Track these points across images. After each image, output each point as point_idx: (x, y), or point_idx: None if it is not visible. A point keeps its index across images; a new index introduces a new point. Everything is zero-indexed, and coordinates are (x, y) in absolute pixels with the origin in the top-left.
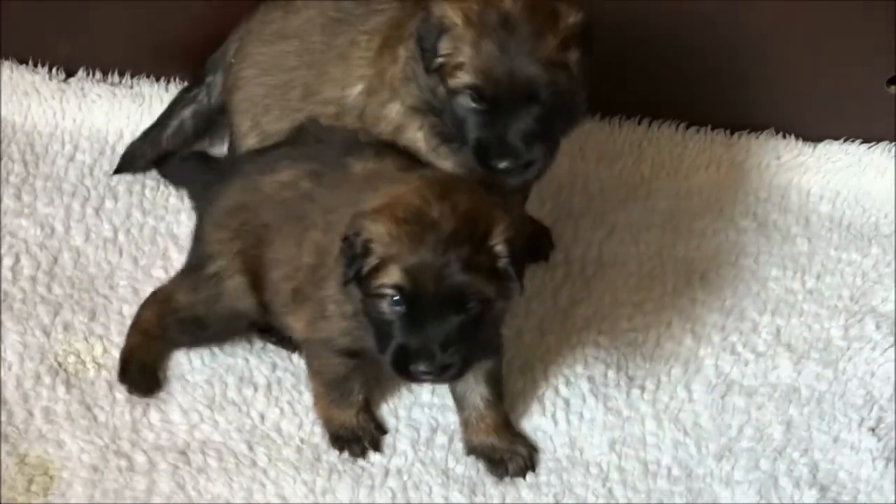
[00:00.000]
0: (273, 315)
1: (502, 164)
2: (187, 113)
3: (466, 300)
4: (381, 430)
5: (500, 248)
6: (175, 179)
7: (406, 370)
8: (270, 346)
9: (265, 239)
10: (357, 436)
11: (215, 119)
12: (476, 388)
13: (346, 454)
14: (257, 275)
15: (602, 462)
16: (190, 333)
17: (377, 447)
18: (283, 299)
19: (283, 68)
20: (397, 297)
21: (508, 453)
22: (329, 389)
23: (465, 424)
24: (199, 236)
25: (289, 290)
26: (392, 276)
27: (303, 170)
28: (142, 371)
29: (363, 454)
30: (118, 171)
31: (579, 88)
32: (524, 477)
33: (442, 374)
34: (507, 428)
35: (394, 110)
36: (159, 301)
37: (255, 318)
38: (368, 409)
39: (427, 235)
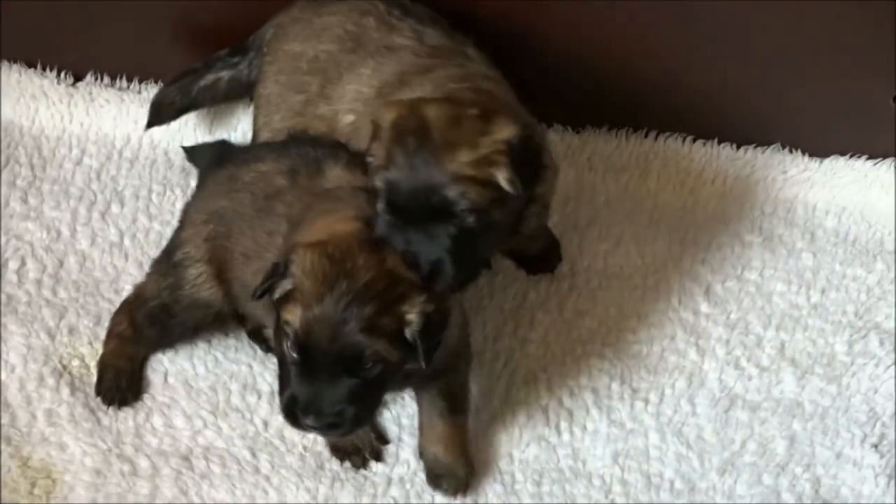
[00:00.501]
0: (243, 309)
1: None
2: (225, 75)
3: (362, 361)
4: (383, 439)
5: (411, 316)
6: (198, 164)
7: (294, 419)
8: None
9: (234, 229)
10: (357, 447)
11: (247, 93)
12: (426, 395)
13: (347, 464)
14: (223, 266)
15: (605, 474)
16: (159, 326)
17: (378, 457)
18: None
19: (295, 70)
20: (293, 344)
21: (446, 470)
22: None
23: (419, 429)
24: (180, 221)
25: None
26: (294, 315)
27: (283, 165)
28: (117, 379)
29: (364, 465)
30: (149, 125)
31: (507, 206)
32: (455, 497)
33: (329, 430)
34: (455, 444)
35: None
36: (129, 301)
37: (222, 309)
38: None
39: (338, 283)
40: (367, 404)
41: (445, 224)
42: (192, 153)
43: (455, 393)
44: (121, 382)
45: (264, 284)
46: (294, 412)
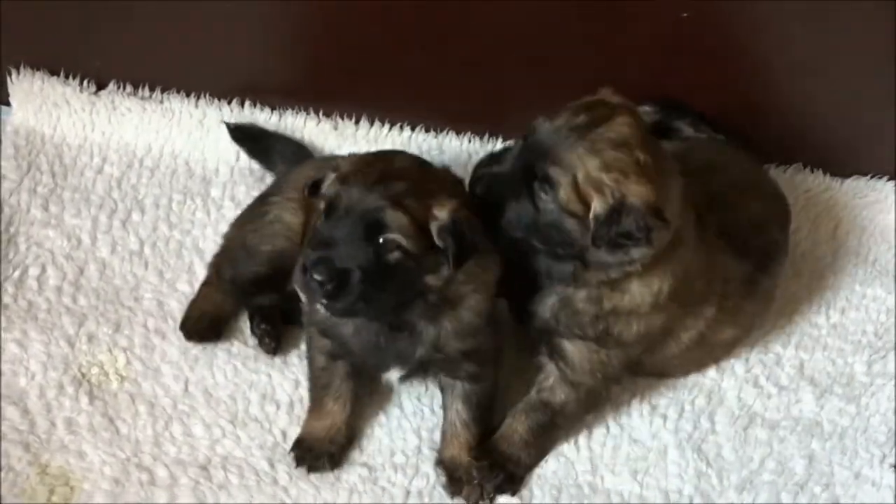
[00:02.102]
0: None
1: None
2: None
3: (382, 229)
4: (349, 445)
5: (440, 212)
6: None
7: (304, 278)
8: (293, 362)
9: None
10: (316, 451)
11: None
12: (454, 405)
13: (302, 466)
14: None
15: (623, 491)
16: (234, 266)
17: (335, 465)
18: None
19: None
20: (322, 210)
21: (468, 476)
22: (311, 389)
23: (442, 437)
24: (273, 187)
25: None
26: (331, 186)
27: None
28: (200, 321)
29: (312, 470)
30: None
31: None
32: None
33: (333, 294)
34: (480, 453)
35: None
36: (216, 253)
37: (287, 266)
38: (346, 429)
39: (375, 164)
40: (377, 290)
41: (529, 194)
42: (236, 131)
43: (482, 403)
44: (203, 323)
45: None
46: (301, 274)
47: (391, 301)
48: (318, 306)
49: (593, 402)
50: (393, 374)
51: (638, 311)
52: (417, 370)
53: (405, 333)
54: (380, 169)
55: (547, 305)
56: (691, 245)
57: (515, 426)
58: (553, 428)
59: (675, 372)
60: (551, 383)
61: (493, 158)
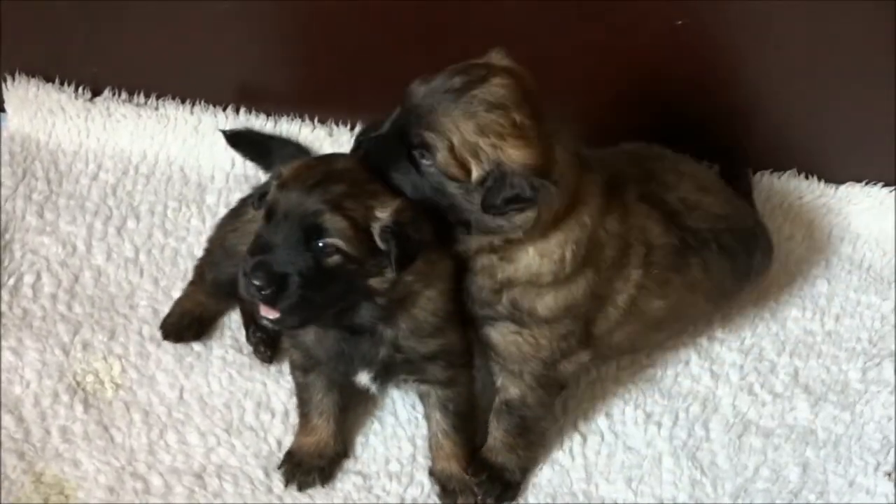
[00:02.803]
0: None
1: None
2: None
3: (320, 233)
4: (340, 457)
5: (381, 213)
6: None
7: (242, 287)
8: (288, 370)
9: None
10: (305, 466)
11: None
12: (433, 415)
13: (292, 484)
14: None
15: (618, 498)
16: (216, 268)
17: (325, 479)
18: None
19: None
20: (263, 215)
21: (460, 485)
22: (297, 405)
23: (429, 448)
24: (256, 188)
25: None
26: (270, 191)
27: None
28: (182, 318)
29: (302, 487)
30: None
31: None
32: None
33: (272, 297)
34: (466, 458)
35: None
36: (201, 256)
37: None
38: (334, 443)
39: (317, 168)
40: (316, 294)
41: (407, 158)
42: (232, 138)
43: (460, 411)
44: (183, 321)
45: (262, 188)
46: (245, 273)
47: (333, 305)
48: (263, 321)
49: (548, 386)
50: (363, 378)
51: (539, 282)
52: (385, 374)
53: (367, 336)
54: (320, 171)
55: (465, 284)
56: (594, 209)
57: (494, 434)
58: (527, 424)
59: (627, 345)
60: (501, 381)
61: (373, 125)
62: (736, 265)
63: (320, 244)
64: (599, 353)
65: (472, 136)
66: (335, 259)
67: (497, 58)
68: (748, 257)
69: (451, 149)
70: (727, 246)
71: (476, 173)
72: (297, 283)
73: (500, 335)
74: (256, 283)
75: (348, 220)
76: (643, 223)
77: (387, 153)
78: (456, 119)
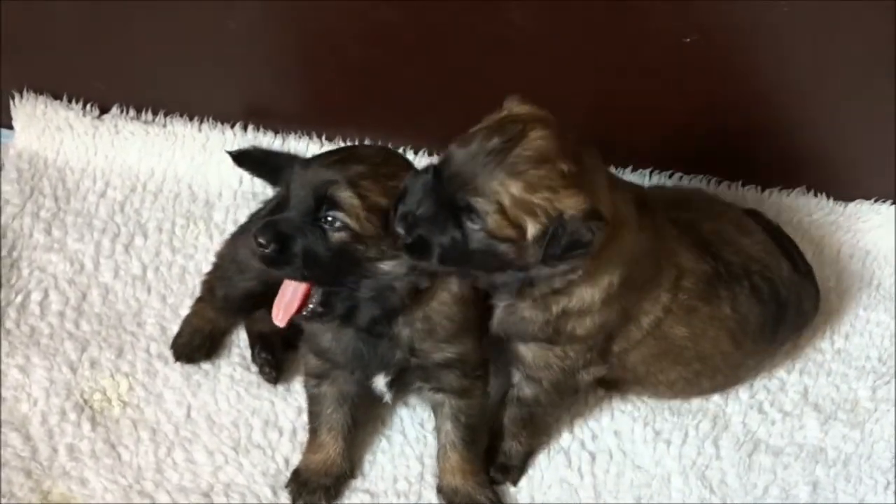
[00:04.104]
0: None
1: None
2: None
3: (333, 205)
4: (346, 476)
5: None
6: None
7: (251, 247)
8: (296, 388)
9: None
10: (312, 485)
11: None
12: (443, 427)
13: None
14: None
15: None
16: (227, 283)
17: (331, 498)
18: None
19: None
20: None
21: (468, 500)
22: (308, 421)
23: (437, 461)
24: (266, 203)
25: None
26: (295, 168)
27: None
28: (193, 336)
29: None
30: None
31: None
32: None
33: (274, 258)
34: (473, 473)
35: None
36: (209, 271)
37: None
38: (342, 461)
39: (339, 152)
40: (319, 265)
41: (454, 223)
42: (239, 158)
43: (471, 424)
44: (194, 340)
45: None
46: (254, 235)
47: (336, 280)
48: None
49: (562, 391)
50: (379, 382)
51: (591, 310)
52: (401, 379)
53: (385, 340)
54: (343, 152)
55: (495, 318)
56: (633, 227)
57: (501, 419)
58: (535, 419)
59: (642, 371)
60: (517, 380)
61: (405, 201)
62: (766, 312)
63: (329, 216)
64: (614, 372)
65: (523, 195)
66: (341, 235)
67: (516, 106)
68: (779, 310)
69: (502, 211)
70: (759, 288)
71: (532, 230)
72: (300, 247)
73: (531, 351)
74: (261, 240)
75: (361, 199)
76: (673, 246)
77: (432, 226)
78: (503, 181)
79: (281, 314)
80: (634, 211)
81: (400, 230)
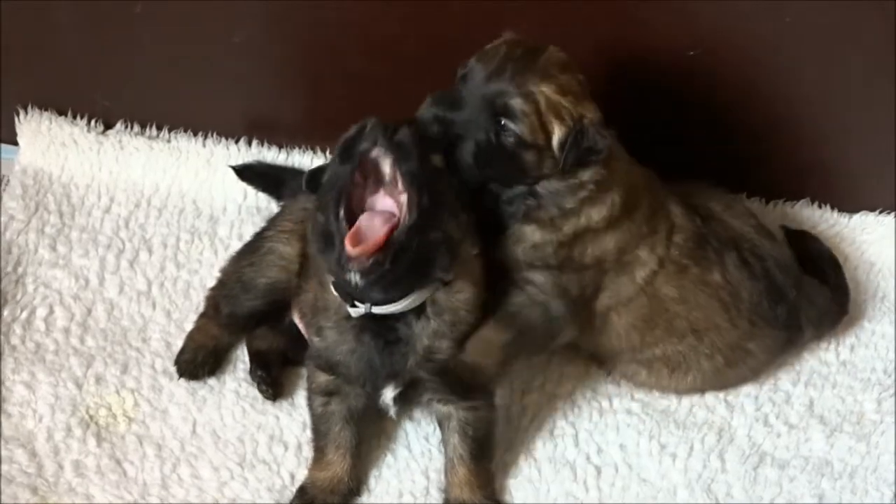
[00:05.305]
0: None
1: None
2: None
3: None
4: (353, 494)
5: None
6: (251, 182)
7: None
8: (300, 403)
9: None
10: (318, 502)
11: None
12: (451, 440)
13: None
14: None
15: None
16: (233, 301)
17: None
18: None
19: None
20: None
21: None
22: (312, 439)
23: (444, 475)
24: (268, 221)
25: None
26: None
27: None
28: (196, 353)
29: None
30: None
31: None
32: None
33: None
34: (481, 486)
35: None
36: (213, 287)
37: (289, 280)
38: (349, 479)
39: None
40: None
41: (489, 124)
42: (243, 173)
43: (479, 437)
44: (198, 357)
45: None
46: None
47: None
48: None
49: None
50: (387, 395)
51: (595, 228)
52: (409, 391)
53: (399, 346)
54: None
55: (507, 248)
56: (625, 161)
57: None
58: (522, 343)
59: (625, 341)
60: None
61: (440, 103)
62: (758, 288)
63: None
64: (605, 340)
65: (555, 97)
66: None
67: (511, 35)
68: (774, 289)
69: (538, 111)
70: (749, 263)
71: (558, 133)
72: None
73: (544, 277)
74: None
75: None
76: (664, 200)
77: (465, 128)
78: (538, 83)
79: (360, 247)
80: (624, 152)
81: (434, 131)
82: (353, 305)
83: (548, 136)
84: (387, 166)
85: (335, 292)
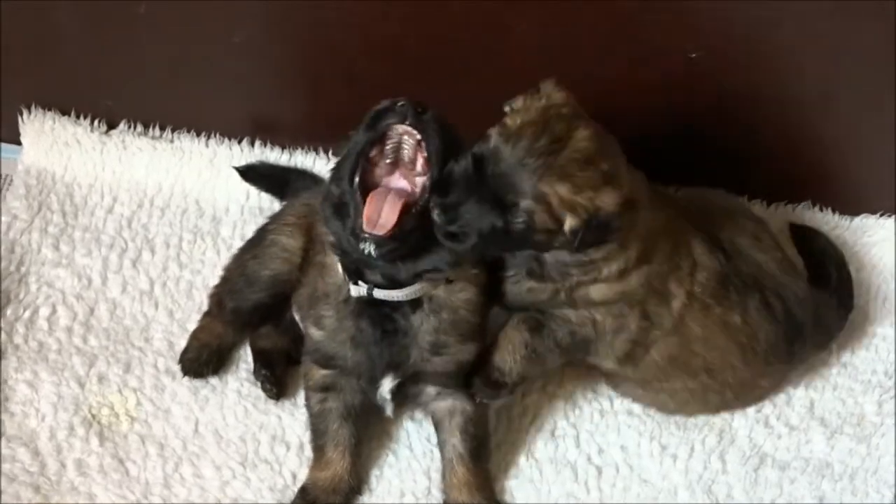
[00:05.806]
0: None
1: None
2: None
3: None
4: (354, 493)
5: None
6: (255, 183)
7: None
8: (302, 403)
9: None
10: (320, 502)
11: None
12: (450, 440)
13: None
14: (310, 227)
15: None
16: (237, 296)
17: None
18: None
19: None
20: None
21: None
22: (311, 439)
23: (441, 476)
24: (270, 218)
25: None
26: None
27: None
28: (200, 352)
29: None
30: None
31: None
32: None
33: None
34: (480, 487)
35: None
36: (217, 284)
37: (292, 273)
38: (350, 478)
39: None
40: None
41: (497, 214)
42: (246, 173)
43: (476, 436)
44: (202, 355)
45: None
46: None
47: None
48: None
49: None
50: (385, 387)
51: (607, 279)
52: (407, 384)
53: (396, 336)
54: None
55: (514, 293)
56: (644, 203)
57: (512, 336)
58: (538, 351)
59: (649, 379)
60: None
61: (442, 189)
62: (777, 332)
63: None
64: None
65: (568, 196)
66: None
67: (553, 91)
68: (793, 331)
69: (549, 210)
70: (771, 305)
71: (570, 224)
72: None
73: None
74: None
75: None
76: (687, 237)
77: (476, 218)
78: (553, 184)
79: (377, 225)
80: (647, 192)
81: (439, 220)
82: (356, 283)
83: (560, 224)
84: (408, 146)
85: (339, 267)
